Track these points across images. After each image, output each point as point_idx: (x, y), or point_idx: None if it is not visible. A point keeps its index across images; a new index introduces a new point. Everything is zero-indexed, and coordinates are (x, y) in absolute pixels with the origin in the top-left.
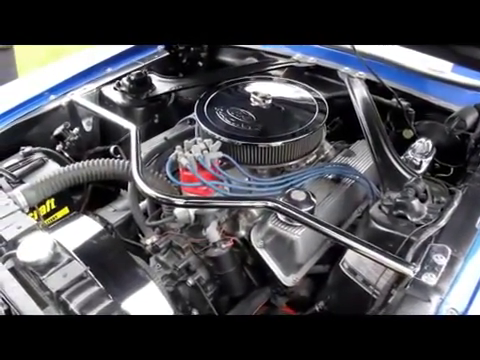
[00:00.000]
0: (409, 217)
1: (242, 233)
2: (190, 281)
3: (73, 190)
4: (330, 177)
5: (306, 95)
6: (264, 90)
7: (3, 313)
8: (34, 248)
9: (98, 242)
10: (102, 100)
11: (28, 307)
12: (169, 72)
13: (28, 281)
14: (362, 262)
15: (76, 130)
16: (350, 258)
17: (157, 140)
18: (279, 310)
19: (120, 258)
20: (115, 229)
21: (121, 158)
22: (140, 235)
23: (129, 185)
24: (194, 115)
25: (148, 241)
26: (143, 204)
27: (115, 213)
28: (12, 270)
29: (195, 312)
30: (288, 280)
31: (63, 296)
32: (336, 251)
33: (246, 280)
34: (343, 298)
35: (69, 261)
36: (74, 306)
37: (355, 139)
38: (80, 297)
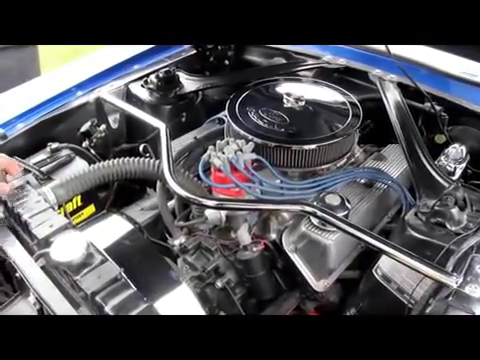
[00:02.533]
0: (448, 225)
1: (273, 236)
2: (219, 283)
3: (98, 187)
4: (362, 181)
5: (339, 98)
6: (297, 91)
7: (36, 313)
8: (68, 248)
9: (130, 242)
10: (129, 97)
11: (62, 308)
12: (195, 70)
13: (59, 281)
14: (397, 269)
15: (103, 127)
16: (384, 265)
17: (186, 139)
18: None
19: (151, 259)
20: (143, 229)
21: (149, 157)
22: (167, 235)
23: (158, 185)
24: (225, 115)
25: (176, 242)
26: (170, 204)
27: (142, 212)
28: (44, 269)
29: (222, 314)
30: (319, 285)
31: (98, 298)
32: (366, 257)
33: (275, 284)
34: (376, 305)
35: (102, 262)
36: (109, 309)
37: (385, 143)
38: (115, 300)
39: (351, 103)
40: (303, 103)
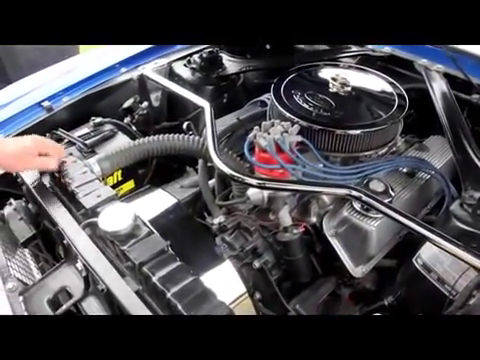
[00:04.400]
0: None
1: (313, 220)
2: (256, 264)
3: (137, 164)
4: (404, 170)
5: (385, 86)
6: (343, 77)
7: (82, 280)
8: (115, 218)
9: (174, 216)
10: (172, 76)
11: (110, 276)
12: (236, 52)
13: (105, 250)
14: (439, 259)
15: (145, 104)
16: (425, 254)
17: (228, 119)
18: (343, 301)
19: (195, 234)
20: (182, 206)
21: (192, 134)
22: (206, 214)
23: (200, 162)
24: (268, 97)
25: (216, 220)
26: (210, 182)
27: (182, 190)
28: (90, 238)
29: (258, 295)
30: (357, 271)
31: (145, 268)
32: (404, 246)
33: (312, 268)
34: (414, 295)
35: (149, 234)
36: (156, 279)
37: (426, 134)
38: (163, 271)
39: (397, 92)
40: (349, 89)
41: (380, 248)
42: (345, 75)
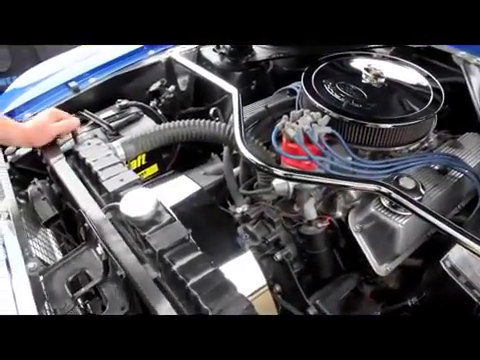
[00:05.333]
0: None
1: (338, 214)
2: (278, 256)
3: (162, 148)
4: (436, 168)
5: (420, 79)
6: (376, 68)
7: (101, 263)
8: (137, 203)
9: (197, 203)
10: (200, 60)
11: (129, 261)
12: None
13: (125, 235)
14: (468, 263)
15: (172, 88)
16: (454, 257)
17: (256, 107)
18: (364, 299)
19: (218, 222)
20: (205, 193)
21: (219, 121)
22: (229, 202)
23: (225, 150)
24: (298, 86)
25: (239, 209)
26: (235, 171)
27: (205, 176)
28: (111, 222)
29: (278, 288)
30: (381, 269)
31: (166, 256)
32: (431, 247)
33: (334, 263)
34: (440, 297)
35: (171, 221)
36: (176, 268)
37: (461, 130)
38: (183, 260)
39: (433, 86)
40: (382, 80)
41: (406, 247)
42: (379, 66)
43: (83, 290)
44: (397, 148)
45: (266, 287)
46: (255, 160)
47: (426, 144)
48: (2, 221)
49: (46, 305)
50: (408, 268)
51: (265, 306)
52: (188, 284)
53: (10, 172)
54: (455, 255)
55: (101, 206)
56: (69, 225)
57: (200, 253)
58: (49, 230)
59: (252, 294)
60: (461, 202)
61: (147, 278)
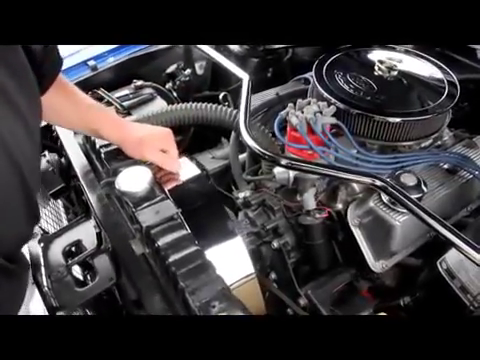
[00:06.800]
0: None
1: (339, 206)
2: (275, 244)
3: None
4: (445, 166)
5: (436, 73)
6: (391, 60)
7: (95, 236)
8: (133, 180)
9: (195, 186)
10: (218, 45)
11: (118, 235)
12: None
13: (120, 210)
14: (464, 267)
15: (188, 71)
16: (451, 259)
17: (268, 94)
18: (359, 294)
19: (212, 206)
20: (210, 176)
21: (228, 105)
22: (233, 187)
23: (232, 135)
24: (311, 75)
25: (241, 194)
26: (242, 156)
27: (213, 160)
28: (108, 197)
29: (273, 275)
30: (377, 265)
31: (152, 232)
32: (432, 247)
33: (332, 255)
34: (433, 299)
35: (162, 199)
36: (161, 244)
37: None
38: (168, 237)
39: (449, 81)
40: (395, 73)
41: (405, 245)
42: (395, 59)
43: (76, 259)
44: (406, 143)
45: (254, 275)
46: (255, 147)
47: (439, 142)
48: None
49: (42, 270)
50: (407, 267)
51: (250, 294)
52: (169, 260)
53: None
54: (452, 257)
55: (101, 181)
56: (79, 198)
57: (186, 232)
58: (60, 202)
59: (238, 281)
60: (471, 204)
61: (132, 252)
